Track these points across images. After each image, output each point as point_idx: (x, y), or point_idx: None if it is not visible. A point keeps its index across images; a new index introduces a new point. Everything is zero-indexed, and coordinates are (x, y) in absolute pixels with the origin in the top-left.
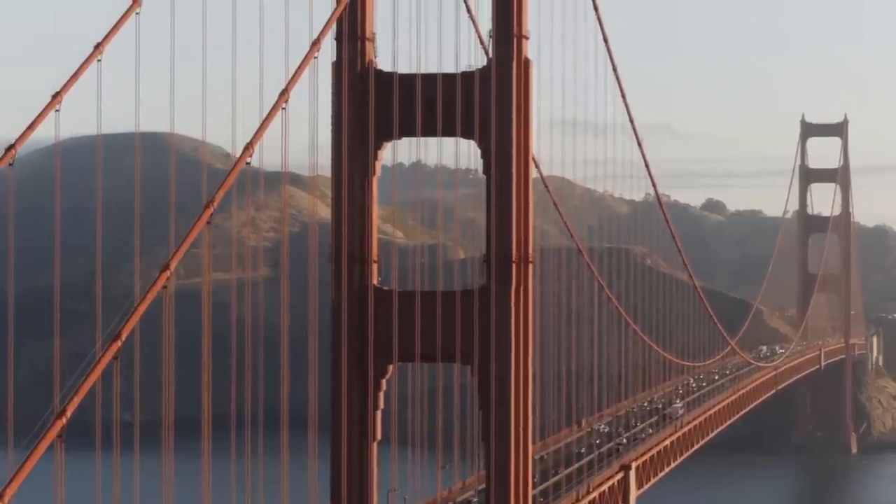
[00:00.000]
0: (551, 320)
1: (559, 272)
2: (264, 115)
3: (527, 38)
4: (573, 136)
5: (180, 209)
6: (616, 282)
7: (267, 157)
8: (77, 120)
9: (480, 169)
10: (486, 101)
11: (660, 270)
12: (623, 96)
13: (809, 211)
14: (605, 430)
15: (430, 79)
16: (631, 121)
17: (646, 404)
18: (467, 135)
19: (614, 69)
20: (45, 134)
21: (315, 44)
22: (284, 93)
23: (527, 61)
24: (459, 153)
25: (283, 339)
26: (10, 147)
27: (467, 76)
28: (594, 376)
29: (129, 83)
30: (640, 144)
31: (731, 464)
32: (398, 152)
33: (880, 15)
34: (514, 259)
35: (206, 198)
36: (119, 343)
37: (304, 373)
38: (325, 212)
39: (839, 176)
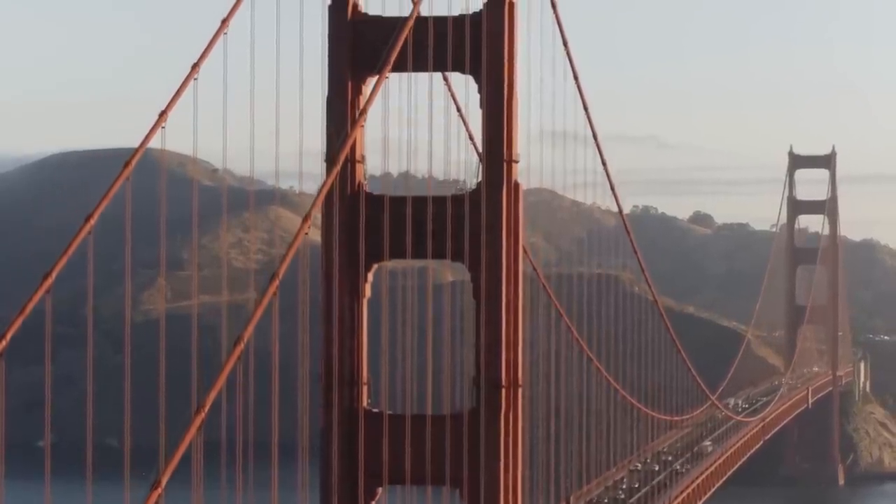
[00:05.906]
0: (540, 366)
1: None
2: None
3: (516, 163)
4: (563, 148)
5: (169, 228)
6: (605, 316)
7: (257, 167)
8: (67, 135)
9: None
10: (476, 225)
11: (648, 298)
12: (585, 108)
13: (797, 242)
14: None
15: (419, 201)
16: (594, 136)
17: None
18: (457, 258)
19: (575, 77)
20: (30, 150)
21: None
22: (363, 112)
23: (517, 185)
24: (449, 162)
25: (273, 359)
26: (127, 163)
27: (457, 199)
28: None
29: (114, 99)
30: (604, 163)
31: (717, 496)
32: (388, 161)
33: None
34: (503, 384)
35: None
36: (241, 345)
37: (294, 398)
38: (314, 233)
39: (827, 207)
